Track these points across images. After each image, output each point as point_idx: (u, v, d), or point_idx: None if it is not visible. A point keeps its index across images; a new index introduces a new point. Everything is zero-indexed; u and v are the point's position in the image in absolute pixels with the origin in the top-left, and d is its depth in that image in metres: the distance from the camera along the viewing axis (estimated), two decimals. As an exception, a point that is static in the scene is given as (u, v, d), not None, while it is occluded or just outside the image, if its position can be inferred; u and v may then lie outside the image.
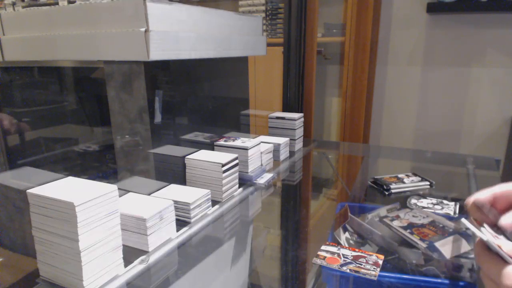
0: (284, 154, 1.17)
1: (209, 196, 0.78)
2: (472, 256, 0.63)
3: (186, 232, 0.71)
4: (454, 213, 0.82)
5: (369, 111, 2.18)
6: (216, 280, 0.65)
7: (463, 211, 0.82)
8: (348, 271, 0.61)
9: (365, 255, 0.65)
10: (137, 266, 0.60)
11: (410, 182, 1.00)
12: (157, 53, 0.67)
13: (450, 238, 0.68)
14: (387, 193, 0.97)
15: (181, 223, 0.73)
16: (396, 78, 2.05)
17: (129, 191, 0.72)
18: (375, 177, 1.04)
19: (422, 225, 0.73)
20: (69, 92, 0.98)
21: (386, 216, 0.78)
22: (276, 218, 0.90)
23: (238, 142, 0.95)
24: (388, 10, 1.99)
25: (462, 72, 1.88)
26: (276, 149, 1.14)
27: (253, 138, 1.02)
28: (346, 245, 0.69)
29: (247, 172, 0.95)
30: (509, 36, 1.75)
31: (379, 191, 0.99)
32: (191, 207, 0.73)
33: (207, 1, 2.54)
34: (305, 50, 1.46)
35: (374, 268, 0.61)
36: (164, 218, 0.65)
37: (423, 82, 1.96)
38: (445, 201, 0.87)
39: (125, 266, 0.58)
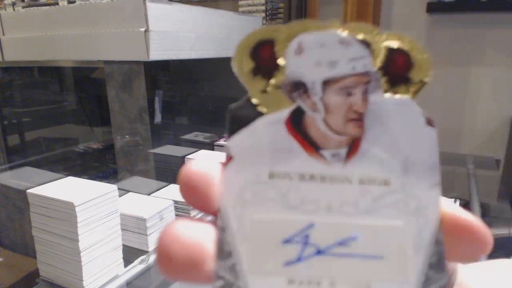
0: (284, 154, 1.17)
1: (209, 196, 0.78)
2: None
3: (186, 232, 0.71)
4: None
5: (369, 111, 2.18)
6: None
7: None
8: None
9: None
10: (137, 266, 0.60)
11: (410, 182, 1.00)
12: (157, 53, 0.67)
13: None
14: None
15: (181, 223, 0.72)
16: (396, 78, 2.05)
17: (129, 191, 0.72)
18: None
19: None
20: (69, 92, 0.98)
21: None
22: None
23: (238, 142, 0.94)
24: (388, 10, 1.99)
25: (462, 72, 1.88)
26: (276, 149, 1.13)
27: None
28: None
29: (247, 172, 0.95)
30: (510, 36, 1.75)
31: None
32: (191, 207, 0.73)
33: (207, 1, 2.54)
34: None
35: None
36: (164, 218, 0.65)
37: (423, 82, 1.96)
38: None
39: (125, 266, 0.58)
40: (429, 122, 0.13)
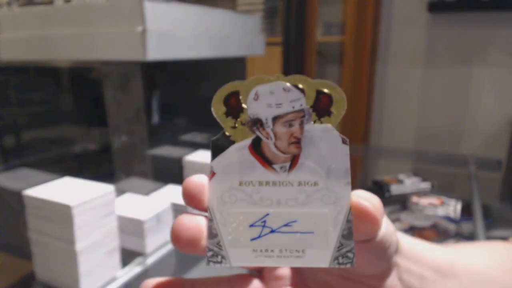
0: (283, 154, 1.16)
1: (208, 197, 0.77)
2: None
3: (184, 233, 0.70)
4: (456, 215, 0.81)
5: (370, 111, 2.17)
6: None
7: (465, 213, 0.81)
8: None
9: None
10: (134, 269, 0.59)
11: (411, 184, 0.99)
12: (154, 53, 0.66)
13: (452, 241, 0.67)
14: (387, 194, 0.96)
15: (179, 225, 0.72)
16: (397, 77, 2.05)
17: (126, 192, 0.71)
18: (375, 178, 1.03)
19: (423, 228, 0.72)
20: (66, 92, 0.97)
21: (386, 218, 0.77)
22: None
23: (237, 143, 0.94)
24: (388, 9, 1.98)
25: (463, 72, 1.87)
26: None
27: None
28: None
29: (246, 173, 0.94)
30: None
31: (379, 192, 0.98)
32: (189, 208, 0.72)
33: (205, 0, 2.53)
34: (305, 50, 1.46)
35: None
36: (161, 220, 0.65)
37: (424, 82, 1.95)
38: (446, 203, 0.87)
39: (122, 268, 0.58)
40: (344, 141, 0.19)
